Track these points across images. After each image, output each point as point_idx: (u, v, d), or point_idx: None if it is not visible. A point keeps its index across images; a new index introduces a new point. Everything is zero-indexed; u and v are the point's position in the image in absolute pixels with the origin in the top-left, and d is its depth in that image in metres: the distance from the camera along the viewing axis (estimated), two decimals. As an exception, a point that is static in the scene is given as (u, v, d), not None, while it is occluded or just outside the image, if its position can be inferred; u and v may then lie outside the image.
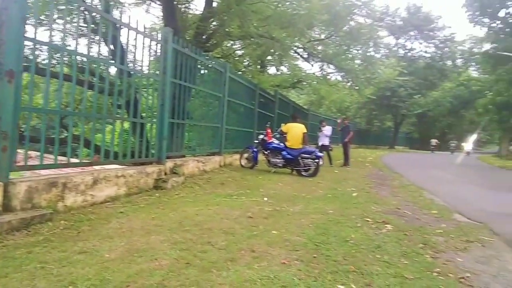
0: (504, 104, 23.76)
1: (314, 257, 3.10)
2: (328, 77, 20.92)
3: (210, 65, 8.16)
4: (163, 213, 4.15)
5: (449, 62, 41.70)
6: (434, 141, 34.33)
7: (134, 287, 2.28)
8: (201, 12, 11.36)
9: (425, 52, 40.79)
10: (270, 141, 9.38)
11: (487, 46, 28.22)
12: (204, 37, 11.07)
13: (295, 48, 16.13)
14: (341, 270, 2.85)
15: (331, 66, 18.35)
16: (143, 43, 5.33)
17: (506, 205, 7.07)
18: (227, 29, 11.93)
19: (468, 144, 29.80)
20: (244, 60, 18.82)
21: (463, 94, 36.88)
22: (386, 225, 4.45)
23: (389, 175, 11.13)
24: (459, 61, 42.48)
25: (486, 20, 25.53)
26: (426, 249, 3.65)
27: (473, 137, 32.19)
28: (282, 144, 9.39)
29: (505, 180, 12.82)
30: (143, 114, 6.05)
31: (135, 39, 5.14)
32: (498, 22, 24.89)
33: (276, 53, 15.58)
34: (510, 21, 23.93)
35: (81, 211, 3.87)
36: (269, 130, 9.62)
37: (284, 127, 9.82)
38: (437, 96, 37.19)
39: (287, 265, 2.86)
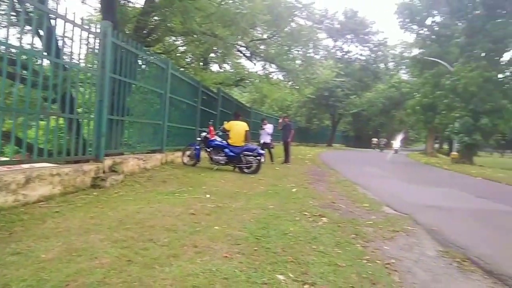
0: (429, 106, 25.83)
1: (255, 250, 3.24)
2: (270, 76, 21.34)
3: (152, 61, 8.00)
4: (102, 212, 4.05)
5: (382, 65, 44.35)
6: (375, 140, 36.36)
7: (74, 285, 2.25)
8: (142, 6, 11.05)
9: (361, 55, 43.03)
10: (213, 138, 9.43)
11: (415, 51, 30.58)
12: (145, 31, 10.78)
13: (238, 47, 16.27)
14: (280, 261, 3.02)
15: (273, 65, 18.75)
16: (81, 36, 5.12)
17: (428, 197, 7.78)
18: (169, 25, 11.72)
19: (396, 143, 31.65)
20: (187, 57, 18.59)
21: (394, 95, 39.47)
22: (322, 218, 4.74)
23: (327, 171, 11.68)
24: (391, 65, 45.38)
25: (415, 27, 27.55)
26: (357, 239, 3.96)
27: (401, 135, 34.29)
28: (224, 141, 9.48)
29: (428, 175, 14.02)
30: (80, 110, 5.80)
31: (72, 31, 4.93)
32: (425, 29, 26.99)
33: (219, 51, 15.60)
34: (436, 29, 26.07)
35: (13, 211, 3.65)
36: (211, 128, 9.65)
37: (226, 125, 9.90)
38: (370, 96, 39.42)
39: (229, 258, 2.96)
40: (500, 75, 20.44)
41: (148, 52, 8.28)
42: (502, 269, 3.41)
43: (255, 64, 19.78)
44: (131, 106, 7.30)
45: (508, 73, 20.82)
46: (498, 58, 20.28)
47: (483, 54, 19.65)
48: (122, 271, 2.50)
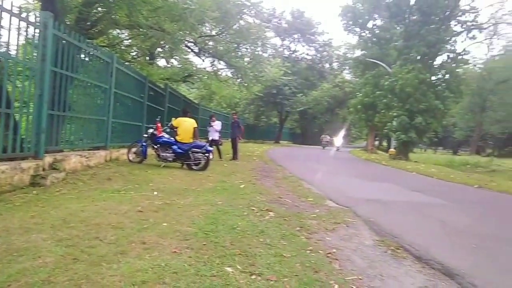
0: (370, 105, 27.14)
1: (204, 244, 3.31)
2: (219, 73, 21.30)
3: (96, 54, 7.71)
4: (43, 211, 3.90)
5: (327, 65, 45.94)
6: (327, 137, 36.54)
7: (17, 286, 2.19)
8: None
9: (307, 54, 44.25)
10: (160, 135, 9.30)
11: (358, 53, 31.98)
12: (88, 23, 10.31)
13: (186, 42, 16.05)
14: (229, 254, 3.13)
15: (222, 62, 18.74)
16: (19, 27, 4.85)
17: (367, 191, 8.27)
18: (114, 17, 11.30)
19: (338, 140, 32.53)
20: (132, 51, 18.03)
21: (338, 94, 40.95)
22: (269, 213, 4.92)
23: (274, 167, 11.96)
24: (335, 65, 46.99)
25: (358, 29, 28.83)
26: (302, 231, 4.18)
27: (342, 133, 35.17)
28: (172, 138, 9.39)
29: (368, 171, 14.82)
30: (17, 104, 5.49)
31: (10, 21, 4.64)
32: (367, 32, 28.32)
33: (167, 46, 15.31)
34: (377, 32, 27.46)
35: None
36: (159, 124, 9.51)
37: (174, 122, 9.81)
38: (316, 95, 40.51)
39: (178, 253, 3.02)
40: (433, 77, 21.96)
41: (92, 45, 7.97)
42: (429, 255, 3.76)
43: (203, 61, 19.62)
44: (74, 101, 7.01)
45: (440, 76, 22.45)
46: (431, 61, 21.75)
47: (418, 57, 20.97)
48: (68, 270, 2.47)
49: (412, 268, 3.42)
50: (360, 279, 2.99)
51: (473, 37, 23.22)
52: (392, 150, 23.64)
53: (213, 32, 16.52)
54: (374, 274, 3.15)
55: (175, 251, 3.05)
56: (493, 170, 21.71)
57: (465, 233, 4.99)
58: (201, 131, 13.93)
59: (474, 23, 22.36)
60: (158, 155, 9.24)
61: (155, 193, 5.61)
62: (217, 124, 13.09)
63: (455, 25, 22.29)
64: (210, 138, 12.86)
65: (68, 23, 9.82)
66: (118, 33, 15.62)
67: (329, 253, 3.53)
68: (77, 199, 4.67)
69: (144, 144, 9.26)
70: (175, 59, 20.10)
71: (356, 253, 3.69)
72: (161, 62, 21.39)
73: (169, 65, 21.12)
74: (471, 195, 9.32)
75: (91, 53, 7.51)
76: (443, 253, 3.85)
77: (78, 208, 4.18)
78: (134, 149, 9.27)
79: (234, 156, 13.34)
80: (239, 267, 2.87)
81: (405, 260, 3.63)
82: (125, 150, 9.26)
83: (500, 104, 40.65)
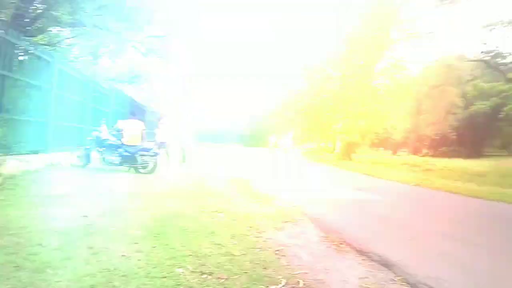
0: (317, 108, 27.99)
1: (154, 247, 3.32)
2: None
3: (35, 53, 7.32)
4: (-21, 219, 3.68)
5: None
6: (273, 139, 36.12)
7: (-47, 297, 2.08)
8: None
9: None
10: (106, 138, 9.00)
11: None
12: (26, 20, 9.75)
13: (133, 43, 15.67)
14: (179, 255, 3.16)
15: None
16: None
17: (313, 191, 8.62)
18: (54, 14, 10.77)
19: (286, 142, 33.07)
20: (74, 50, 17.25)
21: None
22: (219, 214, 4.98)
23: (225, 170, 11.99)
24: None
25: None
26: (251, 231, 4.30)
27: (290, 135, 35.77)
28: (118, 141, 9.12)
29: (315, 171, 15.33)
30: None
31: None
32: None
33: (113, 45, 14.84)
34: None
35: None
36: (104, 127, 9.19)
37: (121, 124, 9.54)
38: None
39: (127, 257, 3.01)
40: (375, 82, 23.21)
41: (31, 43, 7.55)
42: (369, 248, 4.04)
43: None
44: (10, 102, 6.60)
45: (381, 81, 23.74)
46: (373, 67, 22.93)
47: (361, 63, 22.04)
48: (9, 278, 2.39)
49: (354, 261, 3.66)
50: (306, 273, 3.16)
51: (411, 45, 24.83)
52: (337, 151, 24.56)
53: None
54: (319, 268, 3.33)
55: (123, 255, 3.03)
56: (428, 169, 23.17)
57: (402, 227, 5.40)
58: (149, 134, 13.66)
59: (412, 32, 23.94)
60: (103, 159, 8.92)
61: (101, 197, 5.45)
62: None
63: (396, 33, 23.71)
64: (159, 141, 12.60)
65: (5, 19, 9.24)
66: (59, 31, 14.88)
67: (278, 250, 3.68)
68: (16, 206, 4.44)
69: (88, 147, 8.90)
70: (121, 59, 19.50)
71: (303, 249, 3.87)
72: (106, 62, 20.62)
73: (114, 65, 20.41)
74: (408, 193, 9.99)
75: (30, 51, 7.12)
76: (382, 246, 4.16)
77: (18, 214, 3.99)
78: (77, 153, 8.88)
79: (184, 159, 13.19)
80: (189, 267, 2.91)
81: (348, 253, 3.87)
82: (67, 154, 8.85)
83: (433, 108, 43.83)
